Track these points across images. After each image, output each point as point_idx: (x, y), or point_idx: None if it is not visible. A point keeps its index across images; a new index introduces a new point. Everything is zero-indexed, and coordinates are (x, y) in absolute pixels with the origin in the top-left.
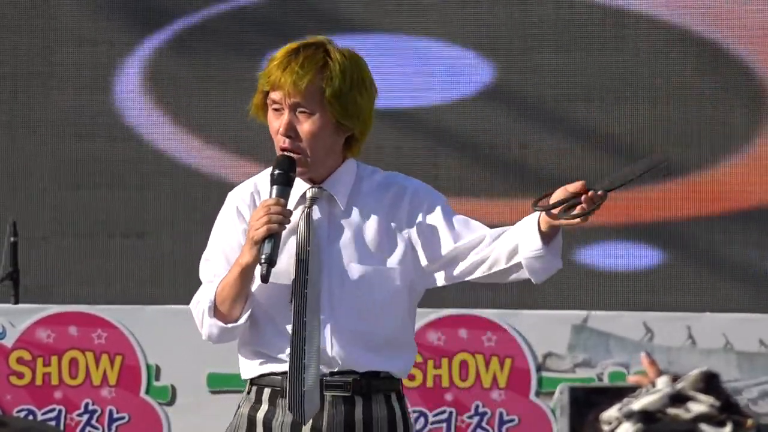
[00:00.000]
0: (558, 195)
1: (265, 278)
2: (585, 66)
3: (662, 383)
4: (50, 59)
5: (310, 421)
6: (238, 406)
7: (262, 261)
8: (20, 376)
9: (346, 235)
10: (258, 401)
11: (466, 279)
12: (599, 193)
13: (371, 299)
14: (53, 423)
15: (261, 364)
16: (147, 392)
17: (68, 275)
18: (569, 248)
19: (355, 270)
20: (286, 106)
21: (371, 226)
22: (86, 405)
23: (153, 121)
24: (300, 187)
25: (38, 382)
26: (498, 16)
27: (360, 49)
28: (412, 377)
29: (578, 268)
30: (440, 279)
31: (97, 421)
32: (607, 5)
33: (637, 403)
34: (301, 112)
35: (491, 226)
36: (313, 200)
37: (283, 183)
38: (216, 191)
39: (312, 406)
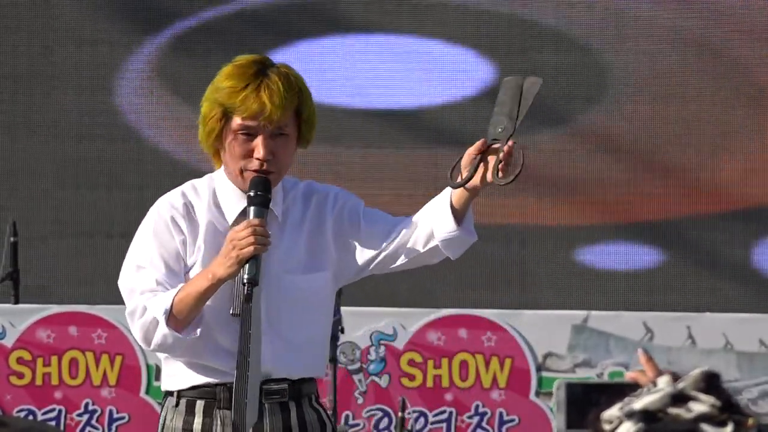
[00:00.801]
0: (466, 162)
1: (248, 298)
2: (585, 66)
3: (663, 383)
4: (50, 59)
5: (250, 429)
6: (164, 419)
7: (245, 281)
8: (20, 376)
9: (282, 247)
10: (190, 413)
11: (389, 269)
12: (509, 143)
13: (306, 308)
14: (53, 423)
15: (195, 375)
16: (147, 392)
17: (68, 275)
18: (569, 248)
19: (292, 280)
20: (263, 131)
21: (303, 235)
22: (86, 405)
23: (153, 121)
24: (238, 200)
25: (38, 382)
26: (498, 16)
27: (360, 49)
28: (412, 377)
29: (578, 268)
30: (364, 272)
31: (97, 421)
32: (607, 5)
33: (639, 403)
34: (279, 134)
35: (492, 227)
36: (242, 214)
37: (261, 204)
38: None
39: (252, 416)
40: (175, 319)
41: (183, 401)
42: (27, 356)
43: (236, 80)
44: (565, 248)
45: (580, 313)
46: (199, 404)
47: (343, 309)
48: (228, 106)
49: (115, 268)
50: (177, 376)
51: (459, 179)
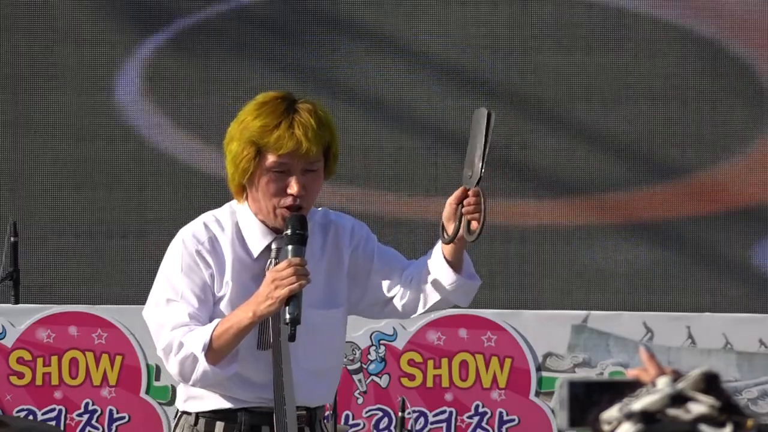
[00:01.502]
0: (448, 214)
1: (292, 337)
2: (585, 66)
3: (663, 383)
4: (50, 59)
5: None
6: None
7: (287, 321)
8: (20, 376)
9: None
10: None
11: (406, 317)
12: (472, 190)
13: (326, 340)
14: (53, 423)
15: (217, 401)
16: (147, 392)
17: (68, 275)
18: (569, 248)
19: (313, 315)
20: (297, 168)
21: (321, 268)
22: (86, 405)
23: (153, 121)
24: (265, 236)
25: (38, 382)
26: (498, 16)
27: (360, 49)
28: (412, 377)
29: (578, 268)
30: (377, 314)
31: (97, 421)
32: (607, 5)
33: (638, 403)
34: (309, 170)
35: (492, 226)
36: (278, 251)
37: (299, 242)
38: (216, 191)
39: None
40: (213, 353)
41: (202, 421)
42: (27, 356)
43: (267, 118)
44: (565, 248)
45: (580, 313)
46: (219, 426)
47: None
48: (262, 144)
49: (115, 268)
50: (198, 399)
51: (446, 234)
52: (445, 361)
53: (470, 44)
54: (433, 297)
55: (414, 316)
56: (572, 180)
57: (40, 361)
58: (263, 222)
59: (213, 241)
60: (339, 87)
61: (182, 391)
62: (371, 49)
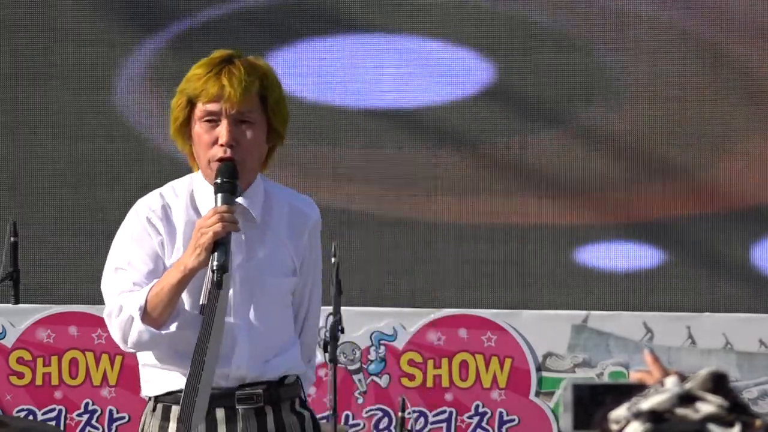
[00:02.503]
0: None
1: (219, 284)
2: (585, 66)
3: (671, 383)
4: (50, 59)
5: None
6: (143, 424)
7: (214, 268)
8: (20, 376)
9: (262, 250)
10: (165, 419)
11: None
12: None
13: (281, 309)
14: (53, 423)
15: (170, 381)
16: None
17: (68, 275)
18: (569, 248)
19: (270, 283)
20: (226, 116)
21: (279, 241)
22: (86, 405)
23: (153, 121)
24: (213, 198)
25: (38, 382)
26: (498, 16)
27: (360, 49)
28: (412, 377)
29: (578, 268)
30: None
31: (97, 421)
32: (607, 5)
33: (646, 403)
34: (243, 121)
35: (492, 227)
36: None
37: (227, 191)
38: None
39: (199, 417)
40: (150, 315)
41: (159, 406)
42: (27, 356)
43: (202, 69)
44: (565, 248)
45: (580, 313)
46: (175, 409)
47: (343, 309)
48: (191, 93)
49: None
50: (153, 381)
51: None
52: (445, 361)
53: (470, 44)
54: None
55: None
56: (572, 180)
57: (40, 361)
58: (210, 181)
59: (166, 208)
60: (339, 87)
61: (142, 375)
62: (371, 49)
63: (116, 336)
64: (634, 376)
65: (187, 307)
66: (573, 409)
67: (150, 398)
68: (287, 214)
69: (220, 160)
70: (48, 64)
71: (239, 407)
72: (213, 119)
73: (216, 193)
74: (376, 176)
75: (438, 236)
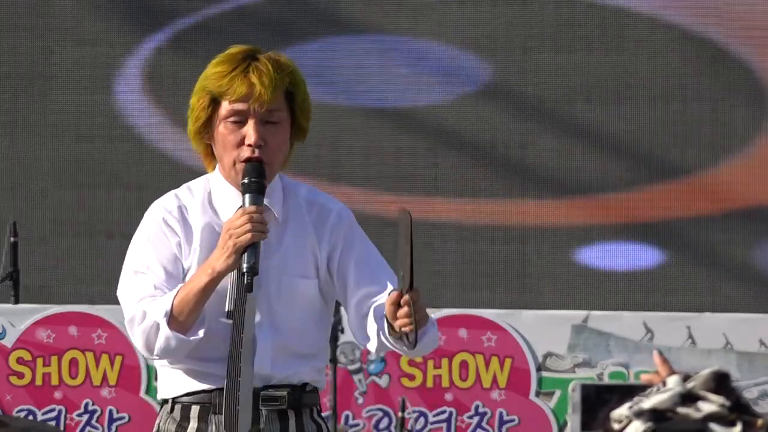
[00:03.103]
0: (389, 314)
1: (249, 287)
2: (585, 66)
3: (673, 382)
4: (50, 59)
5: None
6: (158, 425)
7: (245, 270)
8: (20, 376)
9: (282, 249)
10: (185, 418)
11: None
12: (403, 300)
13: (303, 312)
14: (53, 423)
15: (191, 382)
16: (147, 392)
17: (68, 275)
18: (569, 248)
19: (290, 284)
20: (254, 115)
21: (301, 241)
22: (86, 405)
23: (153, 121)
24: (234, 197)
25: (38, 382)
26: (498, 16)
27: (360, 49)
28: (412, 377)
29: (578, 268)
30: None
31: (97, 421)
32: (607, 5)
33: (648, 402)
34: (270, 121)
35: (491, 226)
36: None
37: (256, 191)
38: None
39: (245, 425)
40: (176, 321)
41: (178, 407)
42: (27, 356)
43: (224, 65)
44: (565, 248)
45: (580, 313)
46: (195, 409)
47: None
48: (215, 91)
49: (115, 268)
50: (173, 383)
51: (391, 331)
52: (445, 361)
53: (470, 44)
54: (378, 344)
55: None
56: (572, 180)
57: (40, 361)
58: (234, 185)
59: (182, 209)
60: (339, 87)
61: (160, 378)
62: (371, 49)
63: (139, 343)
64: (644, 378)
65: (210, 312)
66: (581, 410)
67: (167, 401)
68: (306, 210)
69: (248, 160)
70: (48, 64)
71: (263, 408)
72: (239, 119)
73: (244, 193)
74: (376, 176)
75: (438, 236)
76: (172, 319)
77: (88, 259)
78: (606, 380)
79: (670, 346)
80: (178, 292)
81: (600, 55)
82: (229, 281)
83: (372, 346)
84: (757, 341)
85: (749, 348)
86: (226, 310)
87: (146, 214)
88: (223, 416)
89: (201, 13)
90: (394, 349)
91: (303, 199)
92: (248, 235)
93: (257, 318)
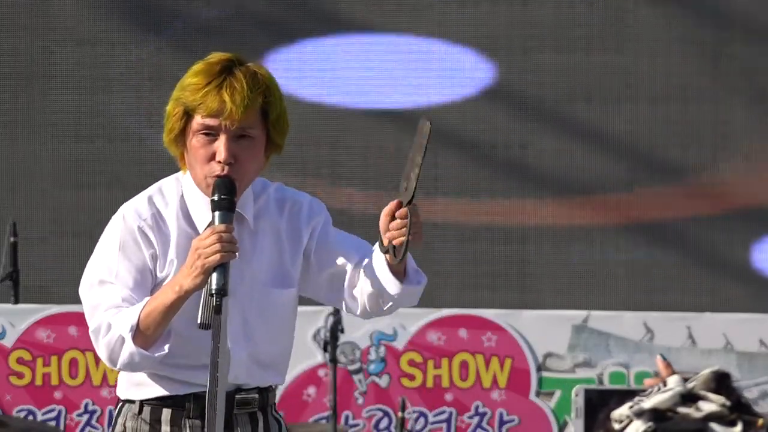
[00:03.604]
0: (383, 226)
1: (218, 309)
2: (585, 66)
3: (673, 382)
4: (50, 59)
5: None
6: (123, 426)
7: (213, 292)
8: (20, 376)
9: (256, 257)
10: (156, 422)
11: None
12: (399, 211)
13: (278, 320)
14: (53, 423)
15: (161, 387)
16: None
17: (68, 275)
18: (569, 248)
19: (264, 293)
20: (225, 131)
21: (276, 245)
22: (86, 405)
23: (153, 121)
24: (208, 208)
25: (38, 382)
26: (498, 16)
27: (360, 49)
28: (412, 377)
29: (578, 268)
30: (321, 297)
31: (97, 421)
32: (607, 5)
33: (648, 402)
34: (242, 136)
35: (492, 227)
36: None
37: (226, 208)
38: None
39: (220, 426)
40: (142, 335)
41: (147, 408)
42: (27, 356)
43: (200, 77)
44: (565, 248)
45: (580, 313)
46: (166, 413)
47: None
48: (188, 104)
49: None
50: (142, 386)
51: (383, 245)
52: (445, 361)
53: (470, 44)
54: (376, 305)
55: (354, 314)
56: (572, 180)
57: (40, 361)
58: (206, 195)
59: (156, 217)
60: (339, 87)
61: (124, 378)
62: (371, 49)
63: (103, 355)
64: (647, 383)
65: (180, 320)
66: (585, 415)
67: (133, 401)
68: (277, 210)
69: (218, 176)
70: (48, 64)
71: (237, 411)
72: (210, 133)
73: (213, 210)
74: (376, 176)
75: (438, 236)
76: (138, 334)
77: (88, 259)
78: (606, 380)
79: (670, 346)
80: (144, 306)
81: (600, 55)
82: (202, 291)
83: (362, 298)
84: (757, 341)
85: (749, 348)
86: (198, 322)
87: (116, 218)
88: (200, 417)
89: (201, 13)
90: (381, 283)
91: (272, 200)
92: (217, 256)
93: (231, 327)
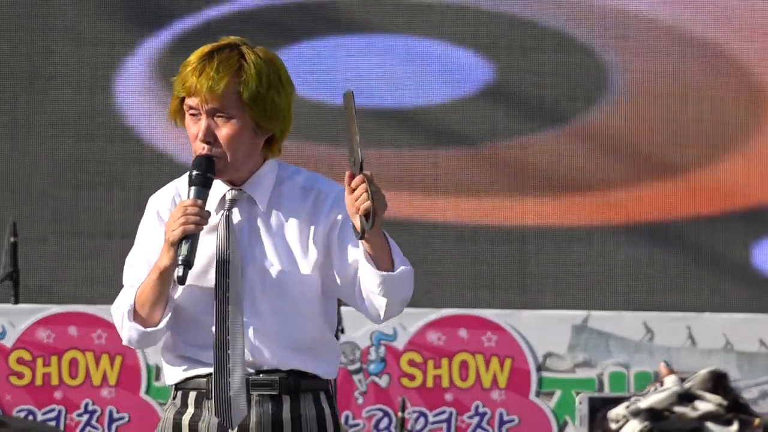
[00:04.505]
0: (349, 203)
1: (181, 280)
2: (585, 66)
3: (670, 382)
4: (50, 59)
5: (238, 421)
6: (165, 412)
7: (179, 263)
8: (20, 376)
9: (266, 238)
10: (184, 405)
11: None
12: (356, 179)
13: (290, 301)
14: (53, 423)
15: (185, 368)
16: (147, 392)
17: (68, 275)
18: (569, 248)
19: (274, 272)
20: (203, 111)
21: (291, 229)
22: (86, 405)
23: (153, 121)
24: (220, 189)
25: (38, 382)
26: (498, 16)
27: (360, 49)
28: (412, 377)
29: (578, 268)
30: (344, 295)
31: (97, 421)
32: (607, 5)
33: (645, 402)
34: (219, 116)
35: (491, 226)
36: (233, 202)
37: (200, 184)
38: None
39: (239, 411)
40: (138, 313)
41: (179, 393)
42: (27, 356)
43: (192, 58)
44: (565, 248)
45: (580, 313)
46: (192, 396)
47: (343, 309)
48: (176, 84)
49: (115, 268)
50: (170, 369)
51: (356, 231)
52: (445, 361)
53: (470, 44)
54: (367, 301)
55: (370, 319)
56: (572, 180)
57: (40, 361)
58: None
59: (175, 199)
60: (338, 87)
61: (163, 364)
62: (371, 49)
63: (119, 330)
64: (650, 389)
65: (195, 300)
66: (588, 422)
67: (171, 386)
68: (301, 197)
69: (200, 155)
70: (48, 64)
71: (253, 393)
72: (195, 113)
73: (189, 185)
74: (376, 176)
75: (438, 236)
76: (136, 312)
77: (88, 259)
78: (606, 380)
79: (670, 346)
80: (139, 285)
81: (600, 55)
82: (212, 272)
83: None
84: (757, 341)
85: (749, 348)
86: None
87: (147, 205)
88: (213, 403)
89: (201, 13)
90: (369, 271)
91: (299, 187)
92: (180, 229)
93: (244, 307)
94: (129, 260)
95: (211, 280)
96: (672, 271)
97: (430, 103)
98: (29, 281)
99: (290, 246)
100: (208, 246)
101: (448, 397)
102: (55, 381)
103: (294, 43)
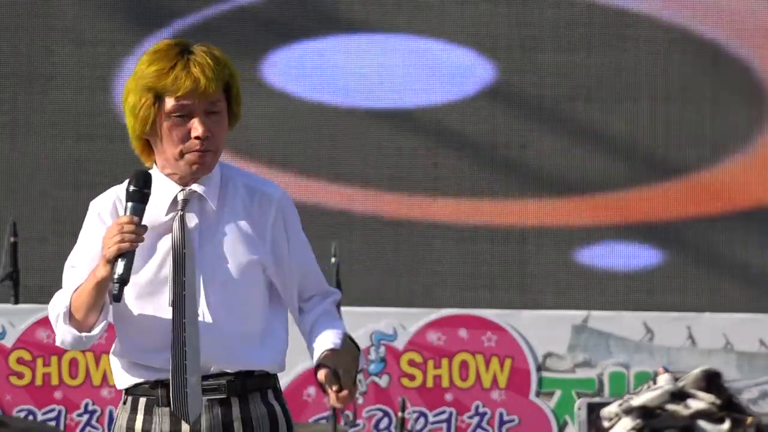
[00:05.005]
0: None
1: (116, 297)
2: (585, 66)
3: (663, 380)
4: (50, 59)
5: (187, 427)
6: (116, 417)
7: (114, 281)
8: (20, 376)
9: (217, 237)
10: (134, 411)
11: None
12: (343, 394)
13: (239, 298)
14: (53, 423)
15: (135, 373)
16: None
17: None
18: (569, 248)
19: (225, 270)
20: (198, 110)
21: (240, 227)
22: (86, 405)
23: None
24: (171, 189)
25: (38, 382)
26: (498, 16)
27: (360, 49)
28: (412, 377)
29: (578, 268)
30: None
31: (97, 421)
32: (607, 5)
33: (637, 399)
34: (211, 112)
35: (491, 227)
36: (185, 202)
37: (137, 200)
38: None
39: (196, 406)
40: (73, 317)
41: (129, 399)
42: (27, 356)
43: (161, 62)
44: (565, 248)
45: (580, 313)
46: (142, 402)
47: (343, 309)
48: (159, 88)
49: None
50: (120, 374)
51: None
52: (445, 361)
53: (470, 44)
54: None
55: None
56: (572, 180)
57: (40, 361)
58: (170, 176)
59: (116, 204)
60: (339, 87)
61: (113, 368)
62: (371, 49)
63: (54, 330)
64: (644, 387)
65: (143, 303)
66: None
67: (122, 391)
68: (247, 197)
69: (199, 152)
70: (48, 64)
71: (205, 398)
72: (184, 113)
73: (126, 201)
74: (376, 177)
75: (438, 236)
76: (71, 315)
77: None
78: (606, 380)
79: (670, 346)
80: (76, 288)
81: (600, 55)
82: (169, 271)
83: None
84: (757, 341)
85: (749, 348)
86: (169, 304)
87: (88, 209)
88: (169, 404)
89: (201, 13)
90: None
91: (242, 186)
92: (115, 247)
93: (198, 307)
94: (70, 261)
95: (165, 282)
96: (672, 271)
97: (430, 103)
98: (29, 281)
99: (239, 243)
100: (163, 246)
101: (448, 397)
102: (55, 381)
103: (294, 43)
